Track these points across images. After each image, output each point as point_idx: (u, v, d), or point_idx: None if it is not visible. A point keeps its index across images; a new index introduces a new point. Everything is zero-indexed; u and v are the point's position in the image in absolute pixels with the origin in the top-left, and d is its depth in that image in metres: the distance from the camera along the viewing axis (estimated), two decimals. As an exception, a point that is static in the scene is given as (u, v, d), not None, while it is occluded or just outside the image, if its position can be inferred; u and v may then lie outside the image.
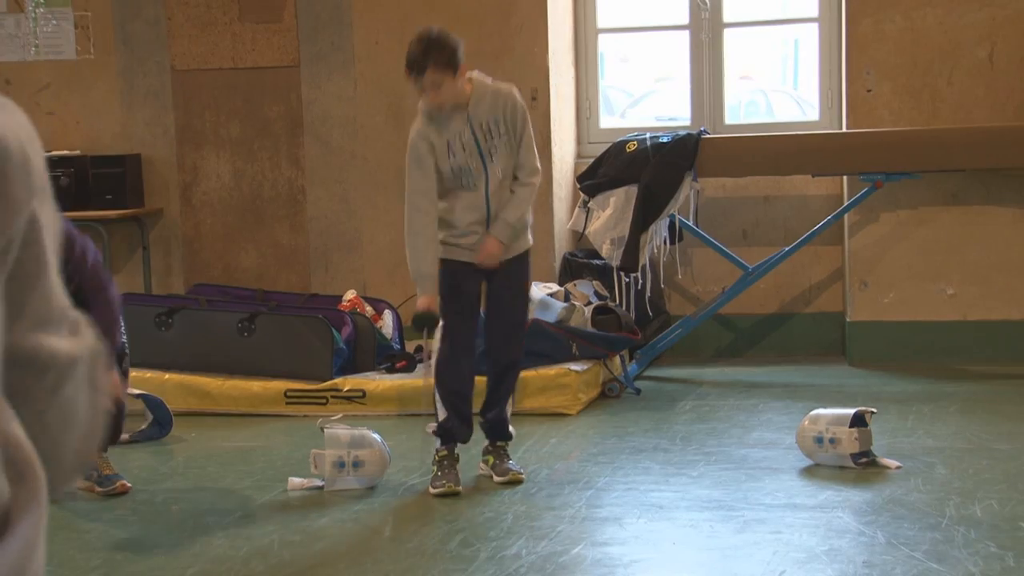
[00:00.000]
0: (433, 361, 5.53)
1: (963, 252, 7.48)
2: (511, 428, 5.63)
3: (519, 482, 5.50)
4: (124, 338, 5.68)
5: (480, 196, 5.38)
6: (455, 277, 5.44)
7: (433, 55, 5.19)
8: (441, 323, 5.50)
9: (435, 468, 5.45)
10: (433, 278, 5.40)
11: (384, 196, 8.09)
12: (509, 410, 5.65)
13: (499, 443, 5.60)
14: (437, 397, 5.52)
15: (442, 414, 5.50)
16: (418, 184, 5.38)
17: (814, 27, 7.98)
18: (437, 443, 5.49)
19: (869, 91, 7.55)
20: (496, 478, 5.48)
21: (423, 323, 5.41)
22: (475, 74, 5.42)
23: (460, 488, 5.39)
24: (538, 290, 6.59)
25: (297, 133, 8.20)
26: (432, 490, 5.36)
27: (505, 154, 5.38)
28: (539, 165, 5.51)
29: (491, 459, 5.56)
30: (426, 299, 5.39)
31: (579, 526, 4.90)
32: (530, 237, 5.58)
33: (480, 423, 5.61)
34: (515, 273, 5.50)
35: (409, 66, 5.28)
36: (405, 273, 7.81)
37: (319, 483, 5.40)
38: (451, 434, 5.49)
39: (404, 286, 7.83)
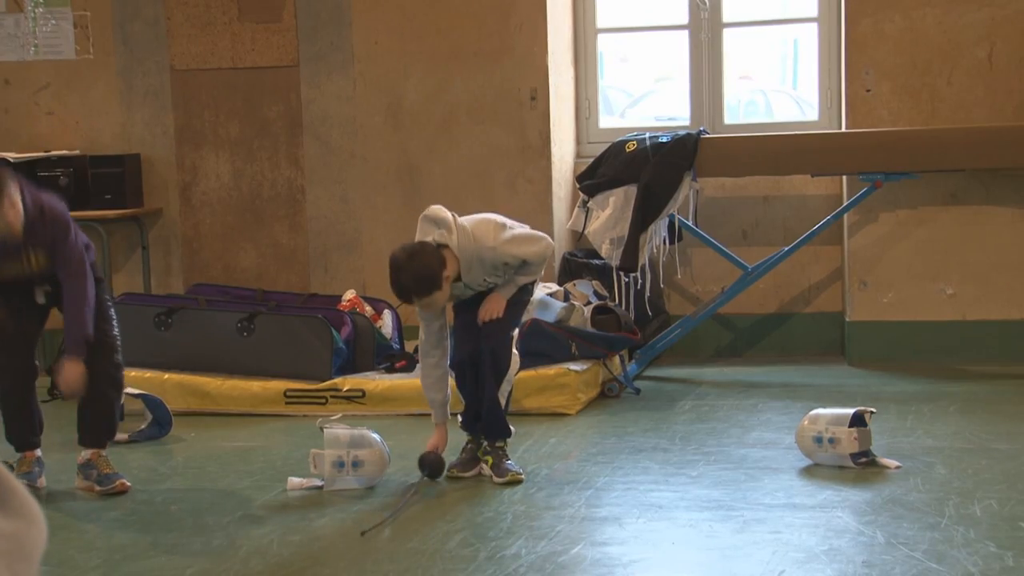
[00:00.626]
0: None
1: (963, 252, 7.48)
2: (511, 427, 5.65)
3: (519, 482, 5.51)
4: (116, 331, 5.69)
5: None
6: (461, 301, 5.65)
7: (414, 293, 5.33)
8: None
9: (464, 450, 5.71)
10: (445, 406, 5.61)
11: (383, 196, 8.10)
12: (503, 403, 5.65)
13: (497, 443, 5.61)
14: (460, 392, 5.72)
15: (462, 405, 5.70)
16: (429, 331, 5.57)
17: (813, 27, 8.00)
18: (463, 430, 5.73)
19: (868, 91, 7.56)
20: (495, 479, 5.50)
21: (429, 469, 5.52)
22: (456, 243, 5.35)
23: (464, 474, 5.62)
24: (538, 290, 6.58)
25: (296, 133, 8.20)
26: (458, 471, 5.64)
27: (507, 275, 5.54)
28: (536, 244, 5.52)
29: (490, 460, 5.57)
30: (436, 438, 5.60)
31: (578, 526, 4.90)
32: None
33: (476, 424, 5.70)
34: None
35: (397, 297, 5.51)
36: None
37: (318, 483, 5.41)
38: (464, 422, 5.69)
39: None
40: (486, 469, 5.57)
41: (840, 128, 7.72)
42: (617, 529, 4.87)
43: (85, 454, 5.60)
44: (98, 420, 5.59)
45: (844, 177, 7.62)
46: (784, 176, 7.70)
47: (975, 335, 7.51)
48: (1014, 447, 5.71)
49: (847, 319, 7.71)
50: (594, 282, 7.46)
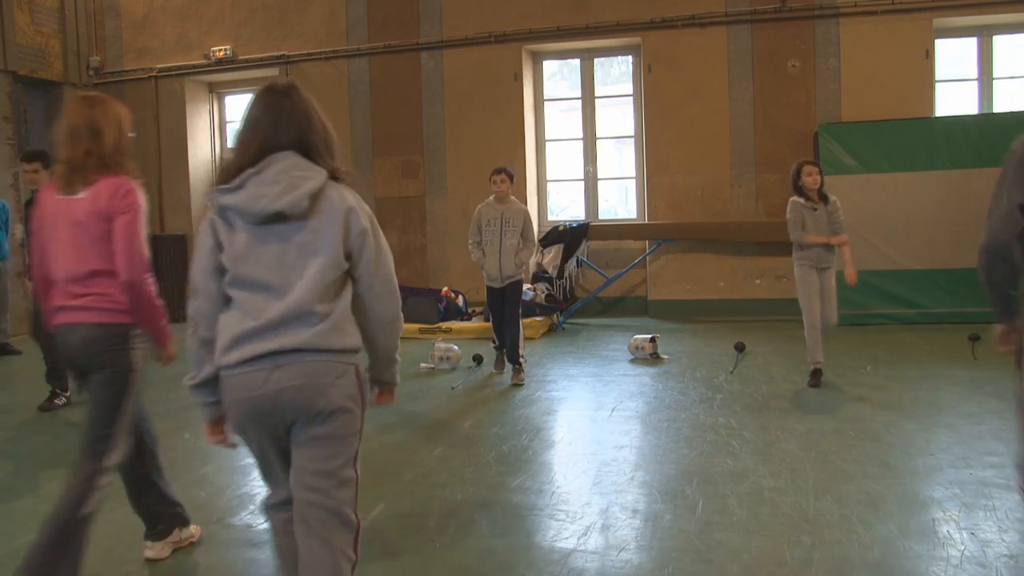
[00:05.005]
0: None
1: (693, 271, 7.53)
2: (520, 359, 4.93)
3: (520, 385, 4.80)
4: None
5: (496, 254, 4.88)
6: (491, 293, 5.01)
7: (508, 171, 4.90)
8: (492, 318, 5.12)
9: (495, 360, 5.22)
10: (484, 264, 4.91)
11: (459, 250, 8.14)
12: (519, 349, 4.92)
13: (515, 365, 4.92)
14: (494, 336, 5.14)
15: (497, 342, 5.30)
16: (473, 229, 4.98)
17: (633, 180, 8.02)
18: (495, 350, 5.32)
19: (656, 206, 7.60)
20: (514, 382, 4.88)
21: (477, 360, 5.29)
22: (512, 198, 4.96)
23: (503, 371, 5.12)
24: (525, 287, 6.61)
25: (423, 223, 8.23)
26: (493, 370, 5.18)
27: (513, 235, 4.88)
28: (535, 239, 5.01)
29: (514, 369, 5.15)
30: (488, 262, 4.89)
31: (538, 384, 4.95)
32: (523, 273, 5.01)
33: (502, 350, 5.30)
34: (514, 289, 4.96)
35: (497, 170, 4.86)
36: (470, 279, 7.88)
37: (433, 365, 5.43)
38: (497, 344, 5.29)
39: (468, 284, 7.89)
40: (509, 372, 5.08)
41: (646, 221, 7.76)
42: (555, 384, 4.91)
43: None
44: None
45: (647, 240, 7.66)
46: (623, 240, 7.74)
47: (695, 306, 7.51)
48: (715, 352, 5.75)
49: (648, 298, 7.74)
50: (546, 283, 7.50)
